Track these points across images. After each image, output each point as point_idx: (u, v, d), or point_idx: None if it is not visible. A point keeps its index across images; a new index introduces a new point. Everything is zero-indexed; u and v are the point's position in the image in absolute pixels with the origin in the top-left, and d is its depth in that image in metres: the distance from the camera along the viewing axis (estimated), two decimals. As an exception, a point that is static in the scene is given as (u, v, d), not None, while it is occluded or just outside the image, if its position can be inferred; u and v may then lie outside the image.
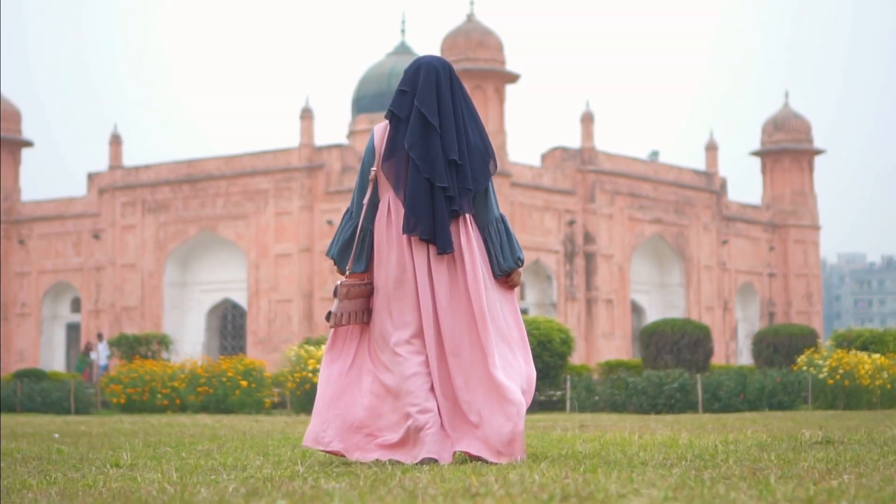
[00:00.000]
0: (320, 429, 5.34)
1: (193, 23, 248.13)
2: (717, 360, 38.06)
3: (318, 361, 19.46)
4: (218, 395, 21.61)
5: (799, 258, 46.31)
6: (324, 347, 6.56)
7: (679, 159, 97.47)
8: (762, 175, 47.09)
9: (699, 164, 44.73)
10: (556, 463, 4.97)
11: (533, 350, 20.49)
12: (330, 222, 36.17)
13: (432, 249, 5.28)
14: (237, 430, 10.62)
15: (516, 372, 5.30)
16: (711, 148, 44.72)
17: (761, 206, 46.53)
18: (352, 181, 34.59)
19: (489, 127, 34.88)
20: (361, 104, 43.90)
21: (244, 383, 21.59)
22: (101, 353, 32.41)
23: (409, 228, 5.26)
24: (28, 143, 43.32)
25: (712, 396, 18.68)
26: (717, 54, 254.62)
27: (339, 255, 5.45)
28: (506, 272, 5.41)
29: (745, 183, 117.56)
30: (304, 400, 19.99)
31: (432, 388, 5.24)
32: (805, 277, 46.38)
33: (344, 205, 32.76)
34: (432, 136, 5.29)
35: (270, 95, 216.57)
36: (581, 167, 39.37)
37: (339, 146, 37.95)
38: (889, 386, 19.40)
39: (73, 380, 25.60)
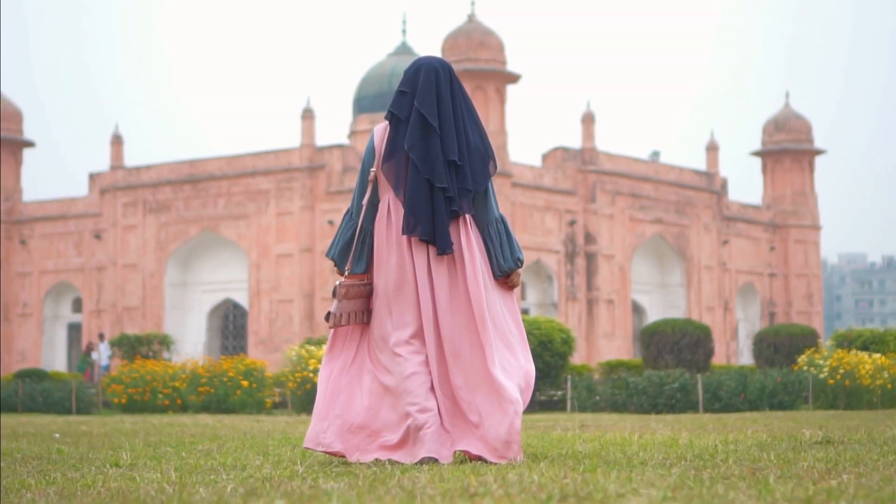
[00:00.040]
0: (321, 430, 5.34)
1: (194, 23, 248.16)
2: (718, 360, 38.05)
3: (319, 361, 19.45)
4: (219, 395, 21.62)
5: (800, 258, 46.30)
6: (325, 347, 6.56)
7: (680, 159, 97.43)
8: (763, 175, 47.08)
9: (700, 164, 44.76)
10: (556, 463, 4.97)
11: (534, 350, 20.46)
12: (331, 222, 36.18)
13: (432, 250, 5.29)
14: (238, 429, 10.63)
15: (515, 371, 5.30)
16: (712, 148, 44.71)
17: (762, 206, 46.52)
18: (353, 181, 34.60)
19: (490, 127, 34.88)
20: (362, 104, 43.90)
21: (245, 383, 21.60)
22: (102, 354, 32.42)
23: (408, 229, 5.26)
24: (29, 144, 43.34)
25: (713, 396, 18.68)
26: (717, 55, 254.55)
27: (340, 256, 5.46)
28: (505, 273, 5.41)
29: (745, 183, 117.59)
30: (305, 400, 19.99)
31: (432, 388, 5.24)
32: (806, 277, 46.37)
33: (345, 205, 32.74)
34: (432, 137, 5.29)
35: (271, 95, 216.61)
36: (582, 167, 39.37)
37: (340, 146, 37.95)
38: (890, 386, 19.39)
39: (74, 380, 25.62)
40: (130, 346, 27.16)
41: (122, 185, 40.31)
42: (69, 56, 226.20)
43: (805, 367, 19.68)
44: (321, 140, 38.41)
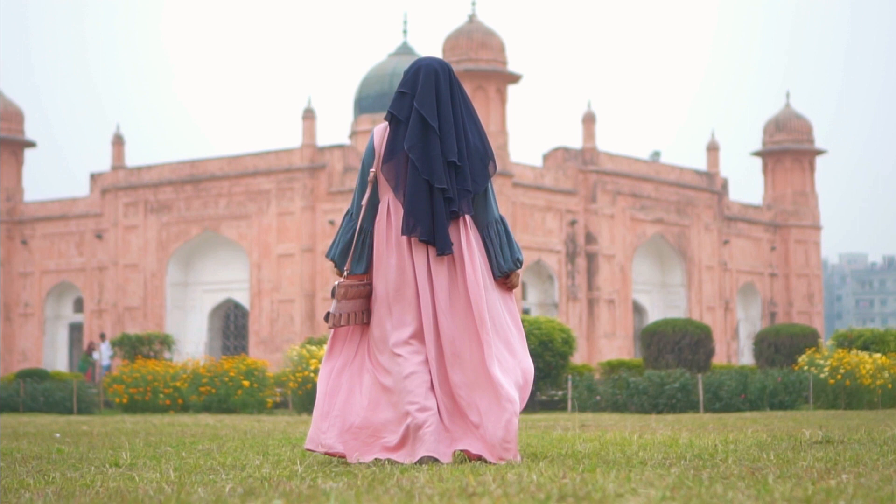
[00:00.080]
0: (321, 431, 5.34)
1: (196, 23, 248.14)
2: (719, 359, 38.05)
3: (320, 361, 19.45)
4: (220, 395, 21.62)
5: (800, 258, 46.29)
6: (325, 348, 6.56)
7: (680, 159, 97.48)
8: (763, 175, 47.07)
9: (700, 164, 44.74)
10: (555, 462, 4.97)
11: (534, 350, 20.44)
12: (332, 222, 36.18)
13: (432, 250, 5.29)
14: (238, 429, 10.63)
15: (513, 371, 5.31)
16: (713, 148, 44.69)
17: (762, 206, 46.51)
18: (353, 181, 34.58)
19: (490, 127, 34.88)
20: (363, 104, 43.91)
21: (246, 383, 21.61)
22: (103, 353, 32.42)
23: (408, 229, 5.27)
24: (31, 144, 43.35)
25: (713, 396, 18.67)
26: (718, 55, 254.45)
27: (340, 256, 5.46)
28: (505, 273, 5.41)
29: (746, 183, 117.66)
30: (305, 400, 19.99)
31: (432, 388, 5.24)
32: (806, 277, 46.35)
33: (346, 205, 32.69)
34: (431, 138, 5.29)
35: (273, 96, 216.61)
36: (583, 167, 39.35)
37: (341, 146, 37.94)
38: (890, 386, 19.38)
39: (75, 380, 25.62)
40: (131, 346, 27.16)
41: (123, 185, 40.32)
42: (70, 56, 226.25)
43: (805, 367, 19.67)
44: (322, 140, 38.47)
